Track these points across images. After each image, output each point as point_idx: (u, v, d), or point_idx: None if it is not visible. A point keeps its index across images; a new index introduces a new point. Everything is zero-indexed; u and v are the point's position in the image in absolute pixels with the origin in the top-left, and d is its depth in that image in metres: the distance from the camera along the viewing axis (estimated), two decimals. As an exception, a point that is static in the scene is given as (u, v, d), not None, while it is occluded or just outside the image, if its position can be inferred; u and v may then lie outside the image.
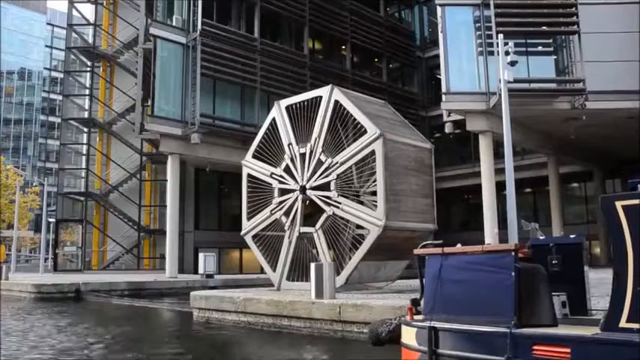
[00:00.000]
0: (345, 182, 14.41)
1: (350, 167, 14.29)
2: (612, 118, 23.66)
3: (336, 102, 14.70)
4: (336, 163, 14.36)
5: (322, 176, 14.58)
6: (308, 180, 14.90)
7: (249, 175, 16.46)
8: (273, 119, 16.13)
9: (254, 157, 16.45)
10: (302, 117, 15.39)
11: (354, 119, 14.41)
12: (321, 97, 15.10)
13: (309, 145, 15.00)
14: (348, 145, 14.35)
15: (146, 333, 13.96)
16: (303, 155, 15.14)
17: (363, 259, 13.62)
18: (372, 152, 13.75)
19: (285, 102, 16.16)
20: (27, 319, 15.36)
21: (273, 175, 15.74)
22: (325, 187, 14.62)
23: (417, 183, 14.93)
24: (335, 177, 14.30)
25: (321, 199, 14.54)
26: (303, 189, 15.07)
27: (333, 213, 14.22)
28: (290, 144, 15.50)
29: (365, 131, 13.96)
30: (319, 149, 14.75)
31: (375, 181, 13.86)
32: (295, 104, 15.74)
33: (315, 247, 14.81)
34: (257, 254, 16.30)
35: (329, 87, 15.12)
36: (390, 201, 13.58)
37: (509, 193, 15.70)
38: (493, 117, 22.69)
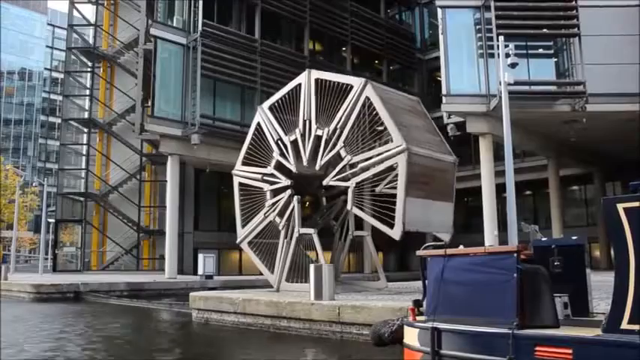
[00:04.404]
0: (354, 146, 14.08)
1: (351, 130, 14.00)
2: (612, 121, 23.67)
3: (317, 80, 14.84)
4: (335, 129, 14.20)
5: (328, 150, 14.34)
6: (312, 161, 14.68)
7: (240, 184, 16.42)
8: (258, 124, 16.16)
9: (244, 164, 16.45)
10: (286, 110, 15.51)
11: (337, 84, 14.42)
12: (300, 84, 15.24)
13: (297, 130, 15.01)
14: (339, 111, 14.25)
15: (145, 334, 13.94)
16: (294, 142, 15.10)
17: (407, 195, 12.97)
18: (367, 98, 13.73)
19: (267, 104, 16.29)
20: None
21: (264, 178, 15.71)
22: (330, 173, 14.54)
23: (418, 124, 14.92)
24: (342, 144, 14.04)
25: (337, 179, 14.27)
26: (293, 181, 15.07)
27: (355, 183, 13.79)
28: (279, 139, 15.48)
29: (351, 88, 14.08)
30: (314, 126, 14.65)
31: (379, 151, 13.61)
32: (277, 101, 15.85)
33: (315, 249, 14.78)
34: (254, 259, 16.25)
35: (305, 72, 15.31)
36: (403, 129, 13.37)
37: (509, 195, 15.71)
38: (493, 119, 22.71)
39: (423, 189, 13.61)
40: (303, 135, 14.92)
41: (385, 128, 13.64)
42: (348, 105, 14.02)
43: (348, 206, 13.98)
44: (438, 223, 14.49)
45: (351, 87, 14.11)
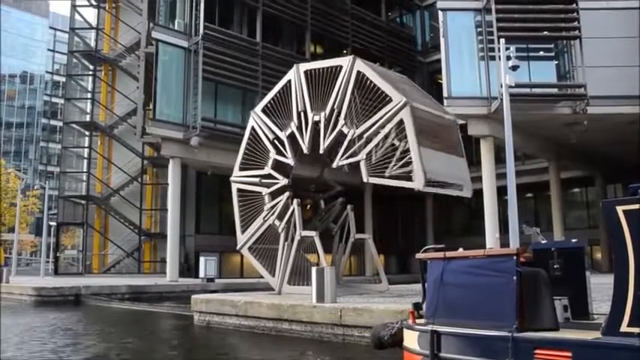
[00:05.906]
0: (355, 121, 13.95)
1: (349, 106, 13.94)
2: (613, 123, 23.65)
3: (306, 71, 14.96)
4: (332, 109, 14.16)
5: (330, 131, 14.27)
6: (313, 151, 14.65)
7: (239, 190, 16.43)
8: (252, 128, 16.18)
9: (241, 170, 16.45)
10: (280, 108, 15.60)
11: (326, 69, 14.52)
12: (290, 80, 15.35)
13: (293, 124, 15.03)
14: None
15: (147, 336, 13.95)
16: (291, 136, 15.11)
17: (420, 145, 12.68)
18: (359, 72, 13.79)
19: (259, 107, 16.42)
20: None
21: (262, 181, 15.70)
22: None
23: (413, 91, 14.98)
24: (343, 122, 13.99)
25: (346, 157, 14.02)
26: (291, 182, 15.12)
27: (366, 154, 13.52)
28: (275, 138, 15.48)
29: (341, 68, 14.17)
30: (310, 114, 14.63)
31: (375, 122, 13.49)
32: (270, 102, 15.97)
33: (317, 251, 14.78)
34: (255, 264, 16.27)
35: (294, 67, 15.43)
36: (400, 90, 13.34)
37: (510, 198, 15.73)
38: (494, 122, 22.71)
39: (433, 141, 13.45)
40: (299, 127, 14.94)
41: (382, 93, 13.45)
42: (342, 83, 14.05)
43: (364, 178, 13.60)
44: (457, 176, 14.21)
45: (341, 67, 14.17)
